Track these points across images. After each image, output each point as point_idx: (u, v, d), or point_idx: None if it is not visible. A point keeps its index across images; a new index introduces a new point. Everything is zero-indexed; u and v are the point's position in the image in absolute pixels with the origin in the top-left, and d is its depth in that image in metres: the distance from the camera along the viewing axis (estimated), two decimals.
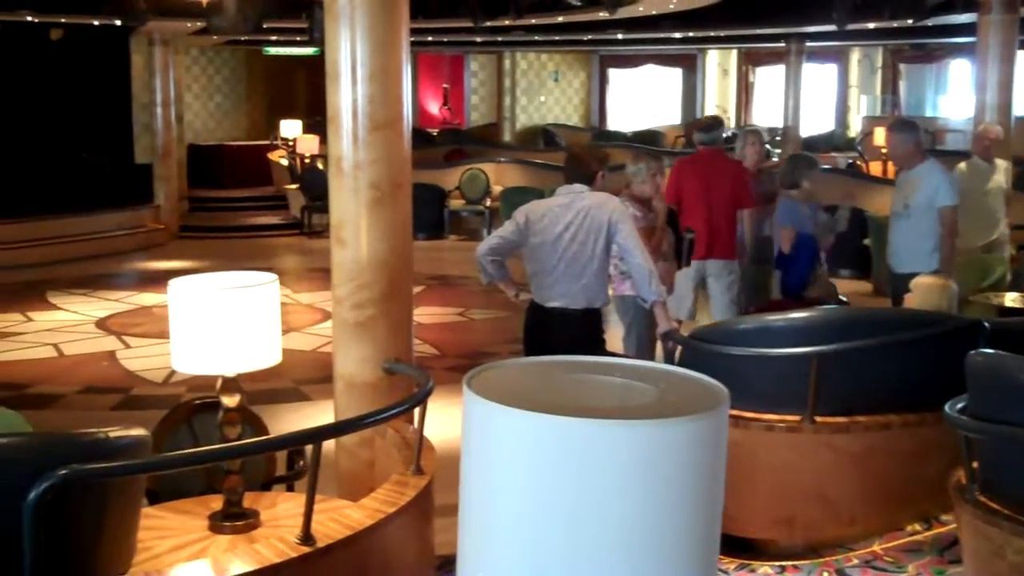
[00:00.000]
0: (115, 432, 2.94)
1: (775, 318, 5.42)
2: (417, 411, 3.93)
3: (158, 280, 13.04)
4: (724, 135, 7.97)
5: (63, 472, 2.66)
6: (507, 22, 14.58)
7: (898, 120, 9.00)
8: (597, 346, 5.56)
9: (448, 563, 4.33)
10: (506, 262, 5.65)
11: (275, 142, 20.20)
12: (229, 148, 21.07)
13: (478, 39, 19.74)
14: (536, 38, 19.87)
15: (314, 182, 17.31)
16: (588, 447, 1.34)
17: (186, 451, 3.66)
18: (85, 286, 12.66)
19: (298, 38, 17.37)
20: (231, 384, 3.44)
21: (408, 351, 4.80)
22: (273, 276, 3.49)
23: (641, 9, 13.53)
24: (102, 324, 10.62)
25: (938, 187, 6.83)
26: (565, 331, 5.41)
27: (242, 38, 17.97)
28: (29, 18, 13.85)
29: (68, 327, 10.50)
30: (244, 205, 19.10)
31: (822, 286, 7.29)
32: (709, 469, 1.40)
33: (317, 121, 20.35)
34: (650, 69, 25.81)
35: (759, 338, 5.04)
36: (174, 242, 16.54)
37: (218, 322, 3.32)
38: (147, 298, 11.94)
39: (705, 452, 1.39)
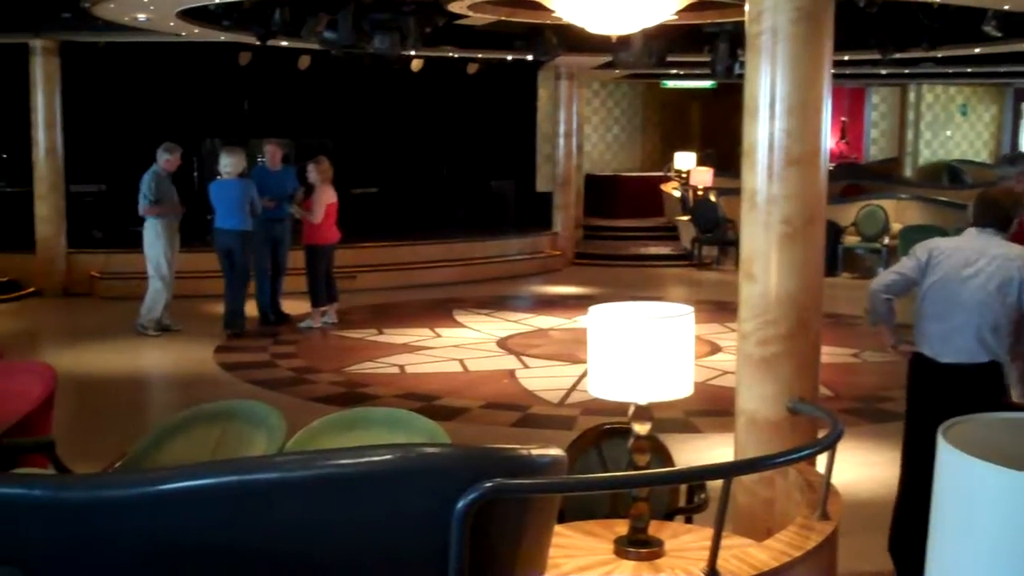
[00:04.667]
0: (536, 450, 3.05)
1: None
2: (825, 454, 3.81)
3: (554, 304, 13.61)
4: None
5: (490, 485, 2.79)
6: (917, 54, 13.97)
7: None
8: (999, 404, 5.07)
9: None
10: (895, 304, 5.30)
11: (668, 173, 20.45)
12: (624, 179, 21.56)
13: (883, 71, 19.05)
14: (946, 70, 18.90)
15: (706, 214, 17.39)
16: None
17: (604, 475, 3.75)
18: (487, 306, 13.39)
19: (697, 71, 17.51)
20: (643, 412, 3.50)
21: (814, 391, 4.69)
22: (689, 308, 3.51)
23: None
24: (503, 343, 11.16)
25: None
26: (962, 388, 4.89)
27: (643, 72, 18.35)
28: (451, 54, 14.85)
29: (472, 344, 11.13)
30: (635, 235, 19.48)
31: None
32: None
33: (709, 153, 20.43)
34: None
35: None
36: (568, 268, 17.14)
37: (635, 351, 3.38)
38: (544, 320, 12.45)
39: None
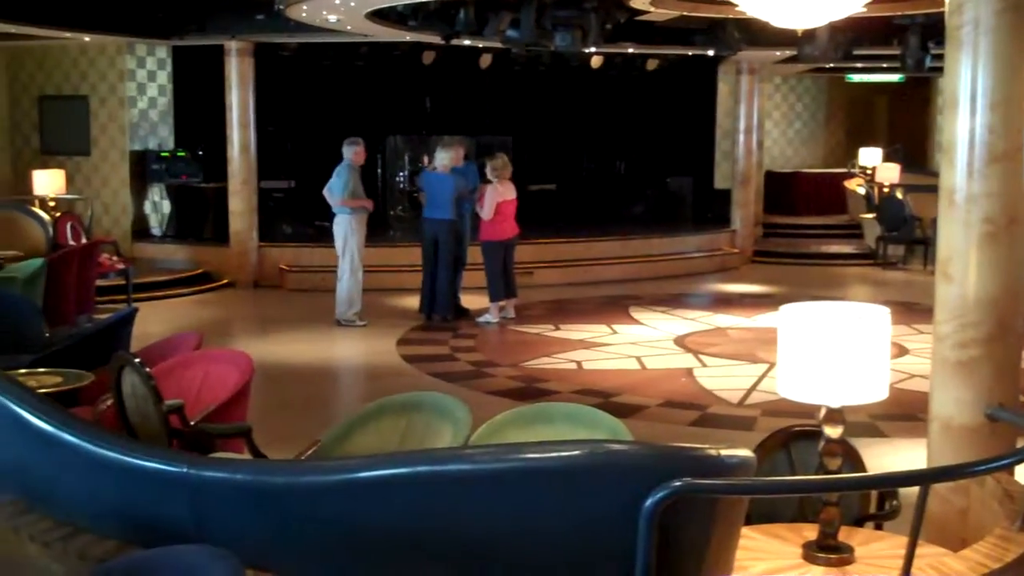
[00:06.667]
0: (726, 451, 3.01)
1: None
2: None
3: (732, 303, 13.43)
4: None
5: (678, 484, 2.77)
6: None
7: None
8: None
9: None
10: None
11: (852, 170, 19.90)
12: (804, 175, 21.06)
13: None
14: None
15: (892, 212, 16.85)
16: None
17: (798, 478, 3.69)
18: (664, 303, 13.31)
19: (884, 65, 16.97)
20: (835, 415, 3.41)
21: (1014, 397, 4.49)
22: (885, 309, 3.41)
23: None
24: (680, 341, 11.07)
25: None
26: None
27: (827, 66, 17.91)
28: (631, 50, 14.81)
29: (649, 342, 11.07)
30: (816, 233, 19.03)
31: None
32: None
33: (897, 149, 19.76)
34: None
35: None
36: (747, 266, 16.89)
37: (829, 352, 3.31)
38: (722, 319, 12.30)
39: None
